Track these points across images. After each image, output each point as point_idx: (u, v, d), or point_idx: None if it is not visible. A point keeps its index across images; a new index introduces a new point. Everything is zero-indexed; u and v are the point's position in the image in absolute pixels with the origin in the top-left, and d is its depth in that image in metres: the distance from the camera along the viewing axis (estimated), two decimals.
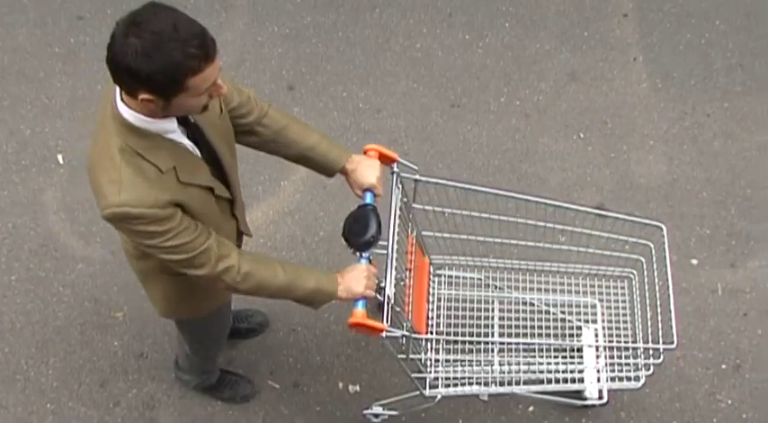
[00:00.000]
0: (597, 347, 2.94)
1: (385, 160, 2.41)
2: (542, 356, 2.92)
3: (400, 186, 2.44)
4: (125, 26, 1.70)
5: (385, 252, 2.30)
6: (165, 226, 1.92)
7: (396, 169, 2.42)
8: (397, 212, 2.38)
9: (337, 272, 2.27)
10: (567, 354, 2.97)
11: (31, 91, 3.90)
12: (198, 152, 2.03)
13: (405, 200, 2.51)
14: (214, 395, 3.22)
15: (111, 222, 1.92)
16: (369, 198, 2.34)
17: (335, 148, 2.35)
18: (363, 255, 2.27)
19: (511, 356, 2.90)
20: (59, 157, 3.73)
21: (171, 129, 1.92)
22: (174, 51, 1.69)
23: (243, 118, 2.24)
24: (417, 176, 2.46)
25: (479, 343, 2.96)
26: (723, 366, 3.35)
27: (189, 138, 1.99)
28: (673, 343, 2.53)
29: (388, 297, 2.23)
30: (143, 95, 1.76)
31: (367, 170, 2.35)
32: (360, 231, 2.23)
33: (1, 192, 3.64)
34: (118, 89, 1.85)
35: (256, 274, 2.13)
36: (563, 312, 3.10)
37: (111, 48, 1.72)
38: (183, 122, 1.96)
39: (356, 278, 2.24)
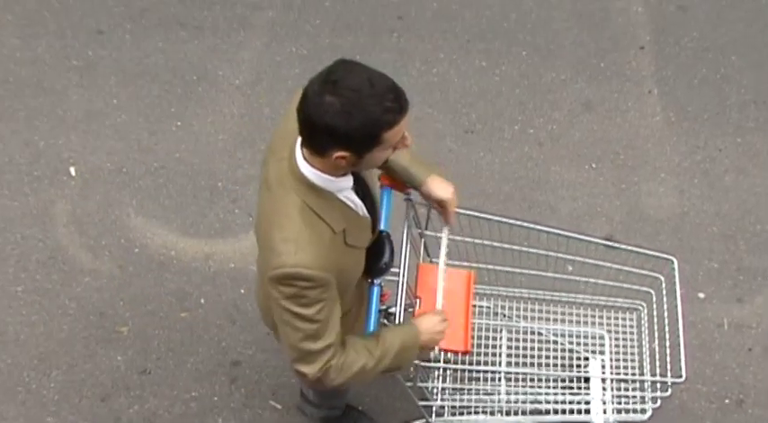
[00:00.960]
0: (604, 379, 2.92)
1: (399, 187, 2.41)
2: (549, 387, 2.90)
3: (414, 213, 2.44)
4: (320, 85, 1.70)
5: (397, 279, 2.29)
6: (325, 294, 1.87)
7: (410, 196, 2.42)
8: (410, 239, 2.38)
9: (412, 319, 2.19)
10: (574, 384, 2.95)
11: (48, 103, 3.92)
12: (364, 208, 2.03)
13: (419, 229, 2.51)
14: None
15: (277, 282, 1.85)
16: (382, 225, 2.33)
17: (416, 165, 2.30)
18: (375, 281, 2.26)
19: (518, 386, 2.88)
20: (72, 170, 3.74)
21: (347, 186, 1.92)
22: (373, 107, 1.70)
23: None
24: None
25: (486, 372, 2.95)
26: (726, 401, 3.32)
27: (357, 194, 1.99)
28: (681, 376, 2.51)
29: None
30: (338, 153, 1.76)
31: (440, 185, 2.29)
32: (372, 258, 2.23)
33: (12, 202, 3.65)
34: (298, 147, 1.85)
35: (350, 365, 1.99)
36: (571, 343, 3.08)
37: (304, 109, 1.72)
38: (354, 179, 1.96)
39: (434, 328, 2.17)
